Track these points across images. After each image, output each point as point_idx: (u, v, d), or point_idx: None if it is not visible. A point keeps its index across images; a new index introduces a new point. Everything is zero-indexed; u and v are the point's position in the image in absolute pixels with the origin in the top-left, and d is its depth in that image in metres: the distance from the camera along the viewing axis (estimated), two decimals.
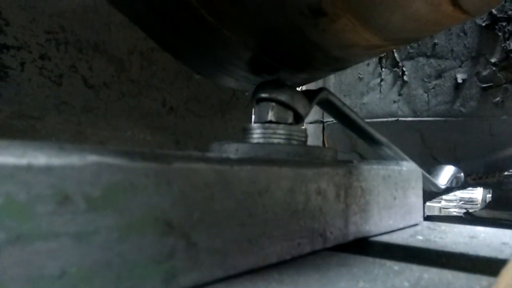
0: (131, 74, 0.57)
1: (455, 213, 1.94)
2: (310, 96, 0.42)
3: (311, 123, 1.01)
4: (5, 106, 0.46)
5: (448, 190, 0.72)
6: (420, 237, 0.41)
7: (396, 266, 0.29)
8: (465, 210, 0.92)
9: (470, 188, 2.25)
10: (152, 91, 0.60)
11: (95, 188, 0.18)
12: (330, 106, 0.45)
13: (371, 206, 0.40)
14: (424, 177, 0.52)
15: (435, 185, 0.58)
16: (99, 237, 0.18)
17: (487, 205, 0.91)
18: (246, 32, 0.37)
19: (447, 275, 0.27)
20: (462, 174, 0.65)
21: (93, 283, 0.18)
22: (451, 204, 2.48)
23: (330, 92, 0.44)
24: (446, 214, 2.00)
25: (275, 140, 0.39)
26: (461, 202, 2.48)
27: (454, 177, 0.64)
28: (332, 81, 0.95)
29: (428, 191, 0.55)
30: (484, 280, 0.26)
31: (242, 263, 0.25)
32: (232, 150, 0.37)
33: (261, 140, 0.40)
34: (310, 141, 0.43)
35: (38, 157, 0.17)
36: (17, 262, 0.16)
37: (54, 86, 0.50)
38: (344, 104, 0.45)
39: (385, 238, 0.39)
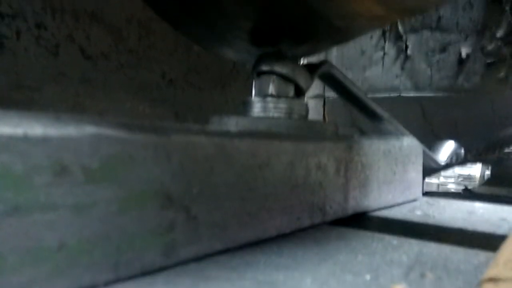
0: (129, 45, 0.56)
1: (453, 190, 1.96)
2: (311, 69, 0.41)
3: (312, 97, 1.00)
4: (2, 77, 0.46)
5: (448, 166, 0.72)
6: (419, 212, 0.41)
7: (394, 240, 0.29)
8: (463, 187, 0.92)
9: (469, 165, 2.26)
10: (151, 62, 0.59)
11: (93, 159, 0.18)
12: (331, 80, 0.44)
13: (371, 181, 0.39)
14: (424, 152, 0.52)
15: (435, 161, 0.57)
16: (98, 209, 0.18)
17: (486, 182, 0.91)
18: (246, 2, 0.36)
19: (446, 249, 0.27)
20: (462, 150, 0.65)
21: (93, 255, 0.18)
22: (449, 180, 2.50)
23: (332, 66, 0.43)
24: (444, 190, 2.02)
25: (276, 114, 0.39)
26: (459, 179, 2.49)
27: (454, 153, 0.64)
28: (334, 54, 0.93)
29: (428, 167, 0.55)
30: (482, 255, 0.26)
31: (242, 236, 0.25)
32: (232, 123, 0.37)
33: (261, 114, 0.39)
34: (311, 116, 0.43)
35: (34, 128, 0.16)
36: (15, 233, 0.16)
37: (51, 56, 0.49)
38: (346, 78, 0.45)
39: (384, 213, 0.39)
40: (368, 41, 0.88)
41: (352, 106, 0.48)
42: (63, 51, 0.50)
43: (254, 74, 0.40)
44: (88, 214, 0.18)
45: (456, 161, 0.63)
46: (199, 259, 0.23)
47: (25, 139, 0.16)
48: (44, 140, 0.16)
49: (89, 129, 0.18)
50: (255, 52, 0.41)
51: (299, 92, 0.41)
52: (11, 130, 0.16)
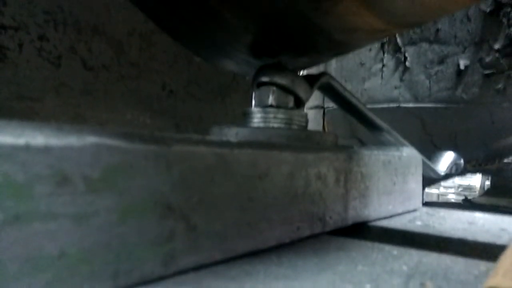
0: (131, 57, 0.56)
1: (453, 200, 1.95)
2: (311, 80, 0.42)
3: (311, 108, 1.00)
4: (4, 88, 0.46)
5: (448, 176, 0.72)
6: (419, 223, 0.41)
7: (395, 250, 0.29)
8: (463, 197, 0.92)
9: (469, 175, 2.26)
10: (152, 74, 0.59)
11: (94, 169, 0.18)
12: (331, 91, 0.45)
13: (371, 191, 0.40)
14: (424, 163, 0.52)
15: (435, 171, 0.58)
16: (98, 218, 0.18)
17: (486, 192, 0.91)
18: (247, 15, 0.37)
19: (446, 260, 0.27)
20: (462, 160, 0.65)
21: (93, 264, 0.18)
22: (449, 190, 2.50)
23: (331, 77, 0.44)
24: (444, 200, 2.02)
25: (276, 125, 0.39)
26: (459, 189, 2.49)
27: (454, 163, 0.64)
28: (333, 66, 0.94)
29: (428, 177, 0.55)
30: (482, 265, 0.26)
31: (241, 246, 0.25)
32: (232, 134, 0.37)
33: (261, 124, 0.39)
34: (311, 127, 0.43)
35: (36, 137, 0.17)
36: (16, 242, 0.16)
37: (52, 68, 0.50)
38: (345, 89, 0.45)
39: (384, 223, 0.39)
40: (367, 53, 0.89)
41: (351, 117, 0.49)
42: (65, 62, 0.50)
43: (254, 85, 0.41)
44: (88, 223, 0.18)
45: (455, 171, 0.63)
46: (198, 268, 0.23)
47: (27, 149, 0.16)
48: (45, 150, 0.17)
49: (90, 139, 0.18)
50: (255, 64, 0.42)
51: (299, 103, 0.41)
52: (13, 140, 0.16)
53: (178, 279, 0.21)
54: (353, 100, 0.46)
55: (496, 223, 0.42)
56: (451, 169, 0.62)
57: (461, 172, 0.81)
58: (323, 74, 0.43)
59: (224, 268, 0.23)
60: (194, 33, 0.42)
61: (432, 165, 0.57)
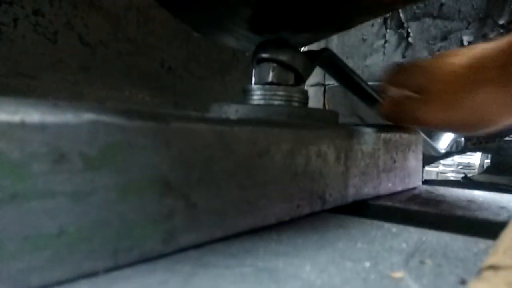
0: (128, 32, 0.55)
1: (452, 178, 1.96)
2: (312, 56, 0.41)
3: (312, 85, 0.99)
4: (0, 64, 0.45)
5: (448, 154, 0.72)
6: (419, 200, 0.41)
7: (394, 228, 0.29)
8: (462, 175, 0.92)
9: (469, 153, 2.26)
10: (150, 50, 0.58)
11: (92, 147, 0.18)
12: (332, 67, 0.44)
13: (371, 169, 0.39)
14: (424, 141, 0.52)
15: (435, 149, 0.57)
16: (97, 196, 0.18)
17: (486, 170, 0.91)
18: None
19: (445, 237, 0.27)
20: (462, 138, 0.65)
21: (92, 242, 0.18)
22: (448, 169, 2.51)
23: (332, 53, 0.43)
24: (444, 178, 2.03)
25: (276, 102, 0.39)
26: (459, 167, 2.50)
27: (454, 141, 0.64)
28: (334, 42, 0.92)
29: (428, 155, 0.55)
30: (481, 243, 0.26)
31: (241, 223, 0.26)
32: (232, 111, 0.37)
33: (261, 102, 0.39)
34: (311, 104, 0.43)
35: (32, 115, 0.16)
36: (14, 221, 0.15)
37: (49, 44, 0.49)
38: (346, 65, 0.44)
39: (383, 201, 0.39)
40: (369, 29, 0.87)
41: (353, 93, 0.48)
42: (61, 38, 0.49)
43: (254, 61, 0.40)
44: (87, 201, 0.18)
45: (456, 149, 0.63)
46: (198, 246, 0.23)
47: (22, 126, 0.16)
48: (41, 127, 0.16)
49: (87, 116, 0.18)
50: (256, 40, 0.41)
51: (299, 80, 0.40)
52: (8, 117, 0.16)
53: (178, 256, 0.21)
54: (355, 77, 0.45)
55: (495, 201, 0.42)
56: (451, 146, 0.62)
57: (462, 150, 0.81)
58: (324, 50, 0.42)
59: (224, 245, 0.24)
60: (193, 8, 0.41)
61: (432, 143, 0.57)
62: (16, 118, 0.16)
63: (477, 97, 0.34)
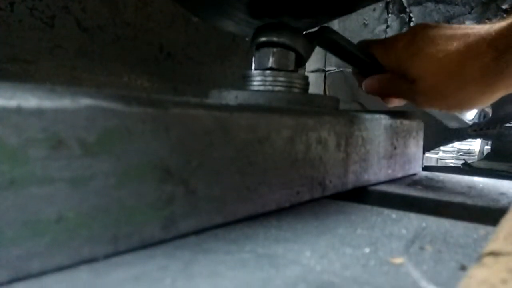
0: (126, 17, 0.55)
1: (452, 164, 1.96)
2: (311, 37, 0.40)
3: (312, 71, 0.98)
4: None
5: (476, 126, 0.69)
6: (419, 186, 0.41)
7: (394, 214, 0.29)
8: (462, 161, 0.92)
9: (469, 140, 2.26)
10: (149, 35, 0.57)
11: (89, 133, 0.18)
12: (333, 45, 0.43)
13: (371, 155, 0.39)
14: (446, 113, 0.49)
15: (460, 120, 0.55)
16: (96, 182, 0.18)
17: (486, 156, 0.91)
18: None
19: (445, 223, 0.27)
20: (490, 108, 0.62)
21: (91, 228, 0.18)
22: (448, 155, 2.51)
23: (333, 31, 0.42)
24: (444, 165, 2.03)
25: (276, 88, 0.38)
26: (459, 154, 2.50)
27: (482, 110, 0.61)
28: (335, 27, 0.91)
29: (453, 128, 0.53)
30: (481, 229, 0.26)
31: (241, 210, 0.25)
32: (232, 97, 0.36)
33: (261, 88, 0.38)
34: (311, 90, 0.42)
35: (29, 100, 0.16)
36: (12, 207, 0.15)
37: (46, 28, 0.48)
38: (347, 40, 0.43)
39: (383, 187, 0.39)
40: (371, 14, 0.86)
41: (355, 67, 0.46)
42: (59, 23, 0.49)
43: (254, 46, 0.39)
44: (86, 187, 0.18)
45: (484, 119, 0.61)
46: (198, 232, 0.23)
47: (19, 111, 0.16)
48: (38, 113, 0.16)
49: (85, 102, 0.18)
50: (255, 24, 0.40)
51: (300, 61, 0.40)
52: (4, 102, 0.15)
53: (179, 242, 0.21)
54: (358, 53, 0.44)
55: (495, 187, 0.42)
56: (479, 116, 0.60)
57: (462, 136, 0.80)
58: (323, 28, 0.41)
59: (225, 231, 0.24)
60: None
61: (457, 114, 0.54)
62: (12, 103, 0.15)
63: (469, 83, 0.34)
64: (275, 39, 0.38)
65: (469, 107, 0.38)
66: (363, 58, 0.42)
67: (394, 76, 0.40)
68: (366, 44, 0.43)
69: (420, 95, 0.39)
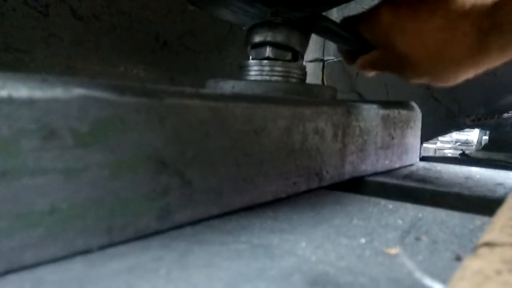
0: (121, 5, 0.54)
1: (450, 155, 1.96)
2: (306, 28, 0.40)
3: (310, 61, 0.98)
4: None
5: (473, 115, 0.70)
6: (416, 177, 0.41)
7: (390, 204, 0.29)
8: (460, 152, 0.92)
9: (467, 130, 2.26)
10: (144, 24, 0.57)
11: (82, 123, 0.17)
12: (328, 32, 0.42)
13: (369, 146, 0.39)
14: None
15: None
16: (89, 173, 0.18)
17: (484, 147, 0.91)
18: None
19: (441, 214, 0.27)
20: None
21: (85, 219, 0.18)
22: (446, 145, 2.51)
23: (327, 19, 0.41)
24: (441, 155, 2.03)
25: (273, 78, 0.38)
26: (457, 144, 2.50)
27: None
28: (334, 16, 0.90)
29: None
30: (477, 219, 0.26)
31: (237, 201, 0.25)
32: (228, 87, 0.36)
33: (258, 77, 0.38)
34: (309, 80, 0.42)
35: (20, 89, 0.16)
36: (5, 198, 0.15)
37: (40, 17, 0.47)
38: (342, 29, 0.42)
39: (381, 178, 0.39)
40: (370, 2, 0.85)
41: (352, 48, 0.46)
42: (53, 11, 0.48)
43: (248, 46, 0.39)
44: (79, 178, 0.17)
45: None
46: (194, 223, 0.23)
47: (10, 101, 0.15)
48: (30, 103, 0.16)
49: (77, 91, 0.17)
50: (252, 13, 0.40)
51: (297, 56, 0.39)
52: None
53: (174, 233, 0.21)
54: (352, 38, 0.43)
55: (492, 177, 0.42)
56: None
57: (460, 126, 0.80)
58: (317, 17, 0.41)
59: (220, 222, 0.23)
60: None
61: None
62: (3, 93, 0.15)
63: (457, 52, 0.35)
64: (271, 40, 0.37)
65: (456, 81, 0.39)
66: (354, 40, 0.42)
67: (382, 53, 0.40)
68: (350, 22, 0.42)
69: (407, 71, 0.40)
